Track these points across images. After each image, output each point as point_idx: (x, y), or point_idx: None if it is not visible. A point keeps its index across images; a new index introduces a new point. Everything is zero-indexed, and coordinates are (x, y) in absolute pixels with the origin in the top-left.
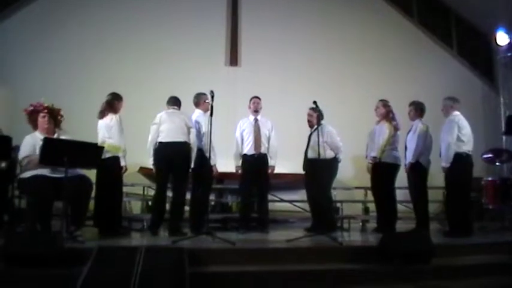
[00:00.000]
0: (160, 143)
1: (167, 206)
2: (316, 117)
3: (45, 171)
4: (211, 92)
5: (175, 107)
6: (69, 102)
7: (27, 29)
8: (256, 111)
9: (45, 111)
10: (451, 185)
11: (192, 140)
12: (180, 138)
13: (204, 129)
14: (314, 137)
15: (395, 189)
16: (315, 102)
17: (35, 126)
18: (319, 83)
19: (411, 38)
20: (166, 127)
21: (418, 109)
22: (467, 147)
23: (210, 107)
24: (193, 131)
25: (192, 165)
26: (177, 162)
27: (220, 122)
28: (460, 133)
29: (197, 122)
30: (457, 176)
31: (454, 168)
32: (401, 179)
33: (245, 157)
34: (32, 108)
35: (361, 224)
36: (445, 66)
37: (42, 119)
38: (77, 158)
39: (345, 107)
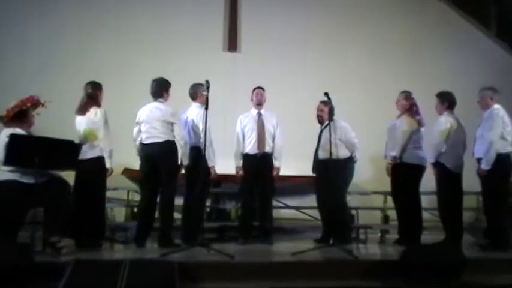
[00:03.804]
0: (142, 144)
1: (156, 214)
2: (327, 111)
3: (15, 176)
4: (207, 82)
5: (160, 99)
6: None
7: None
8: (259, 105)
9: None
10: (490, 191)
11: (179, 134)
12: (160, 137)
13: (202, 125)
14: (325, 134)
15: (420, 194)
16: (326, 94)
17: (23, 122)
18: (331, 72)
19: (440, 17)
20: (145, 127)
21: (445, 101)
22: (511, 147)
23: (205, 99)
24: (176, 127)
25: (186, 165)
26: (161, 164)
27: (217, 116)
28: (504, 130)
29: (192, 119)
30: (497, 181)
31: (495, 171)
32: (428, 182)
33: (246, 157)
34: (36, 100)
35: (380, 234)
36: (481, 51)
37: (34, 115)
38: (50, 158)
39: (362, 99)
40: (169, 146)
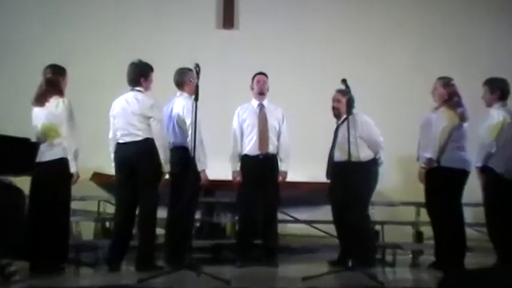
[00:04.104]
0: (117, 144)
1: (134, 229)
2: (345, 103)
3: None
4: (196, 66)
5: (138, 88)
6: None
7: None
8: (261, 94)
9: None
10: None
11: (157, 132)
12: (138, 135)
13: (190, 120)
14: (343, 130)
15: (463, 206)
16: (344, 81)
17: None
18: (350, 54)
19: None
20: (120, 122)
21: (495, 89)
22: None
23: (194, 87)
24: (154, 122)
25: (169, 170)
26: (140, 167)
27: (210, 109)
28: None
29: (177, 112)
30: None
31: None
32: (472, 190)
33: (246, 159)
34: None
35: (411, 256)
36: None
37: None
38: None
39: (387, 88)
40: (149, 146)
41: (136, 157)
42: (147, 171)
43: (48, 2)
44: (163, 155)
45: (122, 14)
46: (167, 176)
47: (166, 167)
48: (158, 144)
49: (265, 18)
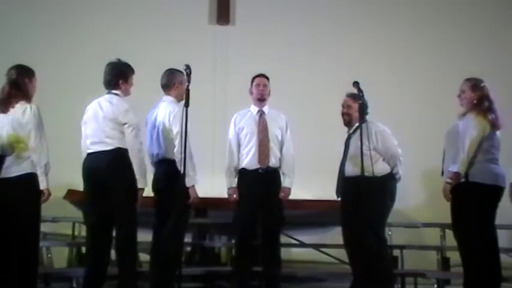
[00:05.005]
0: (87, 154)
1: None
2: (358, 109)
3: None
4: (187, 67)
5: (115, 91)
6: None
7: None
8: (262, 100)
9: None
10: None
11: (131, 141)
12: (108, 143)
13: (178, 127)
14: (355, 141)
15: (496, 228)
16: (356, 85)
17: None
18: (363, 54)
19: None
20: (91, 128)
21: None
22: None
23: (184, 91)
24: (128, 129)
25: (146, 186)
26: (112, 182)
27: (201, 115)
28: None
29: (162, 119)
30: None
31: None
32: (507, 210)
33: (244, 174)
34: None
35: (436, 285)
36: None
37: None
38: None
39: (406, 91)
40: (121, 157)
41: (106, 169)
42: (119, 187)
43: None
44: (139, 168)
45: (103, 7)
46: (152, 194)
47: (142, 183)
48: (132, 154)
49: (265, 12)
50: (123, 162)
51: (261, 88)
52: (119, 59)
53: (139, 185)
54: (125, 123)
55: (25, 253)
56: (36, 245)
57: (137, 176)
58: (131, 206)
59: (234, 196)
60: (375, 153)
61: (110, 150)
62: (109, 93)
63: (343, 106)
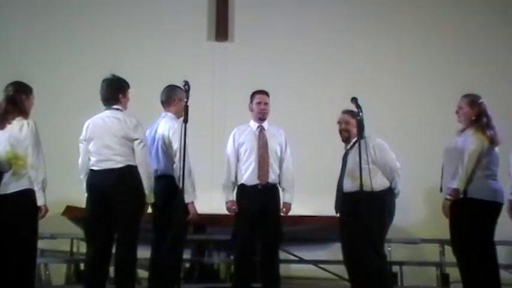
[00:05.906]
0: (91, 171)
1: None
2: (355, 124)
3: None
4: (185, 83)
5: (116, 106)
6: None
7: None
8: (261, 119)
9: None
10: None
11: (142, 158)
12: (117, 161)
13: (177, 143)
14: (353, 156)
15: (495, 244)
16: (354, 100)
17: None
18: (362, 70)
19: None
20: (96, 145)
21: None
22: None
23: (183, 107)
24: (139, 146)
25: (153, 201)
26: (117, 200)
27: (200, 131)
28: None
29: (162, 135)
30: None
31: None
32: (506, 226)
33: (243, 190)
34: None
35: None
36: None
37: None
38: None
39: (406, 106)
40: (130, 175)
41: (114, 188)
42: (127, 205)
43: (12, 8)
44: (148, 184)
45: (98, 22)
46: (150, 210)
47: (151, 197)
48: (142, 170)
49: (263, 28)
50: (133, 181)
51: (262, 107)
52: (113, 74)
53: (148, 200)
54: (136, 139)
55: (22, 269)
56: (34, 261)
57: (146, 192)
58: (136, 223)
59: (233, 208)
60: (374, 166)
61: (120, 168)
62: (109, 108)
63: (341, 122)
